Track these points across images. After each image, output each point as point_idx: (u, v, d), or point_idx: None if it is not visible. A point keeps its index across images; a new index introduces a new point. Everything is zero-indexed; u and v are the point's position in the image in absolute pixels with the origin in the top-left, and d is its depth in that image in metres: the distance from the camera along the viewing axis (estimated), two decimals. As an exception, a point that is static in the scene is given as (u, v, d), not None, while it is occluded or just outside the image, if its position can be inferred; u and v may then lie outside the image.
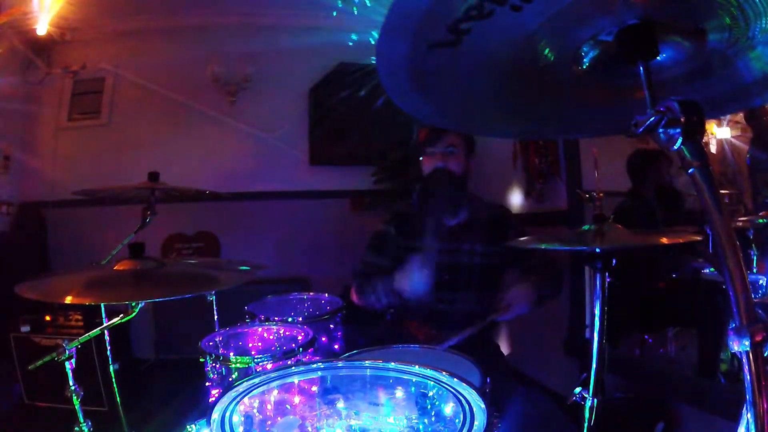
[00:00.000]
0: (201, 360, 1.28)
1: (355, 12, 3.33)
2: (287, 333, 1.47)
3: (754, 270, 1.82)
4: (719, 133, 2.26)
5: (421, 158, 1.84)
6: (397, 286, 1.62)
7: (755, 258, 1.82)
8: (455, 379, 0.84)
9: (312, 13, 3.63)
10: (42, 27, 3.25)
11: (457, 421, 0.76)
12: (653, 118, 0.60)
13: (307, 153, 3.85)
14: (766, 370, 0.55)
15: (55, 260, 3.53)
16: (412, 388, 0.90)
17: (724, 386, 1.90)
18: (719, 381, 1.95)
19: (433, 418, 0.84)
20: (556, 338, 2.75)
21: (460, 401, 0.79)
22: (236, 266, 1.50)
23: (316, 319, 1.64)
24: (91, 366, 2.42)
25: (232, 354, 1.31)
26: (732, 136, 2.27)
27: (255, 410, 0.86)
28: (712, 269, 2.01)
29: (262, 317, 1.61)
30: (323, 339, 1.59)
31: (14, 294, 1.09)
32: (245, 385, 0.86)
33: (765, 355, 0.55)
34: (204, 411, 0.81)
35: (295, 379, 0.92)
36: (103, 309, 1.71)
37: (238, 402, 0.83)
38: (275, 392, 0.90)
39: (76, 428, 1.12)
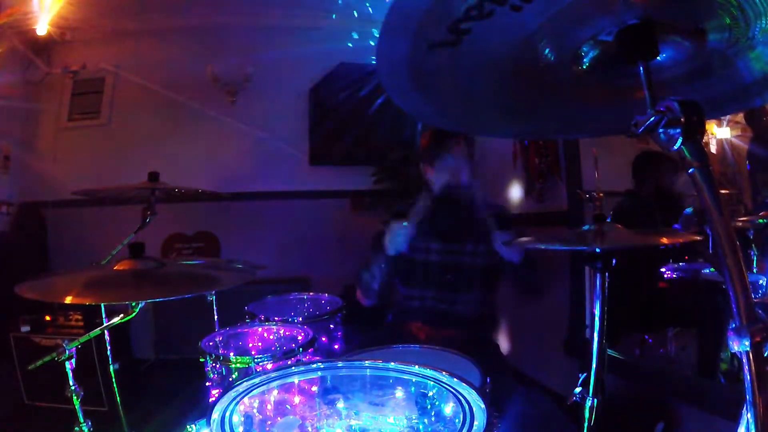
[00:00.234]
0: (201, 360, 1.28)
1: (356, 15, 3.33)
2: (287, 333, 1.47)
3: (754, 270, 1.82)
4: (719, 133, 2.26)
5: (422, 164, 1.84)
6: (384, 246, 1.65)
7: (755, 258, 1.82)
8: (455, 379, 0.84)
9: (312, 14, 3.64)
10: (42, 27, 3.25)
11: (457, 421, 0.76)
12: (653, 118, 0.60)
13: (307, 153, 3.85)
14: (766, 370, 0.55)
15: (55, 260, 3.53)
16: (412, 388, 0.90)
17: (724, 386, 1.89)
18: (719, 381, 1.95)
19: (433, 418, 0.84)
20: (556, 338, 2.75)
21: (460, 401, 0.79)
22: (236, 266, 1.50)
23: (316, 319, 1.64)
24: (91, 366, 2.42)
25: (232, 354, 1.31)
26: (732, 136, 2.27)
27: (255, 410, 0.86)
28: (712, 269, 2.01)
29: (262, 317, 1.62)
30: (323, 339, 1.59)
31: (14, 294, 1.09)
32: (245, 385, 0.86)
33: (765, 355, 0.55)
34: (204, 411, 0.81)
35: (295, 379, 0.92)
36: (103, 309, 1.71)
37: (238, 402, 0.83)
38: (275, 392, 0.90)
39: (76, 428, 1.12)
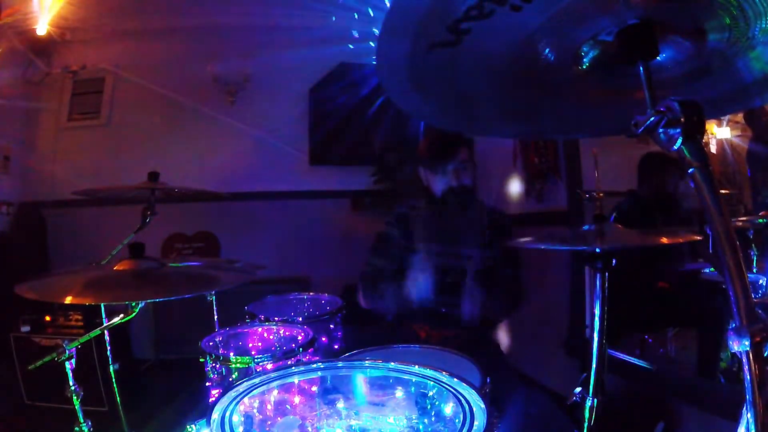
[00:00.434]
0: (201, 360, 1.28)
1: (356, 15, 3.33)
2: (287, 333, 1.47)
3: (754, 270, 1.82)
4: (719, 133, 2.26)
5: (420, 168, 1.84)
6: (405, 293, 1.64)
7: (755, 258, 1.82)
8: (455, 379, 0.84)
9: (312, 13, 3.63)
10: (42, 27, 3.25)
11: (457, 421, 0.76)
12: (653, 118, 0.60)
13: (307, 153, 3.85)
14: (766, 370, 0.55)
15: (55, 260, 3.53)
16: (412, 388, 0.90)
17: (724, 386, 1.89)
18: (719, 381, 1.95)
19: (433, 418, 0.84)
20: (556, 338, 2.75)
21: (460, 401, 0.79)
22: (236, 266, 1.50)
23: (316, 319, 1.64)
24: (91, 366, 2.42)
25: (232, 354, 1.31)
26: (732, 136, 2.27)
27: (255, 410, 0.86)
28: (712, 269, 2.01)
29: (262, 317, 1.61)
30: (323, 339, 1.59)
31: (14, 294, 1.09)
32: (245, 385, 0.86)
33: (765, 355, 0.55)
34: (204, 411, 0.81)
35: (295, 379, 0.92)
36: (103, 309, 1.71)
37: (238, 402, 0.83)
38: (275, 392, 0.90)
39: (76, 428, 1.12)
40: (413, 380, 0.90)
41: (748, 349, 0.55)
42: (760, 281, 1.76)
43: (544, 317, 2.87)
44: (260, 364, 1.21)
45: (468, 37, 0.64)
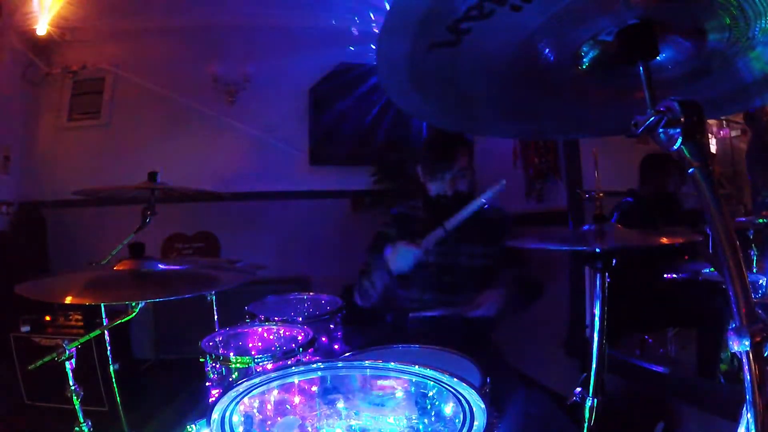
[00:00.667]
0: (201, 360, 1.28)
1: (355, 16, 3.33)
2: (287, 333, 1.47)
3: (754, 270, 1.82)
4: (719, 133, 2.27)
5: (419, 170, 1.84)
6: (388, 265, 1.65)
7: (755, 258, 1.82)
8: (455, 379, 0.84)
9: (312, 13, 3.64)
10: (42, 27, 3.25)
11: (457, 421, 0.76)
12: (653, 118, 0.60)
13: (307, 153, 3.85)
14: (766, 370, 0.55)
15: (55, 260, 3.53)
16: (412, 388, 0.90)
17: (724, 386, 1.89)
18: (719, 381, 1.95)
19: (433, 418, 0.84)
20: (556, 338, 2.75)
21: (460, 401, 0.79)
22: (236, 266, 1.50)
23: (316, 319, 1.64)
24: (91, 366, 2.42)
25: (232, 354, 1.31)
26: (732, 136, 2.27)
27: (255, 410, 0.86)
28: (712, 269, 2.01)
29: (262, 317, 1.61)
30: (323, 339, 1.59)
31: (14, 294, 1.09)
32: (245, 385, 0.86)
33: (765, 355, 0.55)
34: (204, 411, 0.81)
35: (295, 379, 0.92)
36: (103, 309, 1.71)
37: (238, 402, 0.83)
38: (275, 392, 0.90)
39: (76, 428, 1.12)
40: (413, 380, 0.90)
41: (748, 349, 0.55)
42: (760, 281, 1.76)
43: (544, 317, 2.86)
44: (260, 364, 1.21)
45: (468, 37, 0.64)
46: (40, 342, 2.59)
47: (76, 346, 1.09)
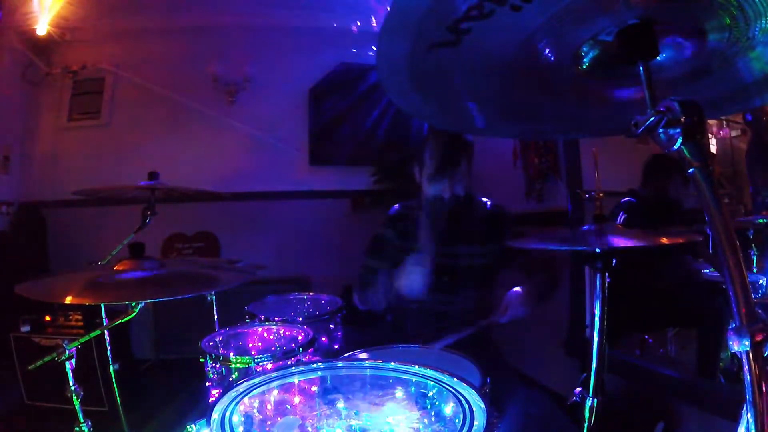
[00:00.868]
0: (201, 360, 1.28)
1: (355, 15, 3.33)
2: (287, 333, 1.47)
3: (754, 270, 1.82)
4: (719, 133, 2.26)
5: (417, 171, 1.84)
6: (396, 286, 1.62)
7: (755, 258, 1.82)
8: (455, 379, 0.84)
9: (312, 13, 3.64)
10: (42, 27, 3.25)
11: (457, 421, 0.76)
12: (653, 118, 0.60)
13: (307, 153, 3.85)
14: (766, 370, 0.55)
15: (55, 260, 3.53)
16: (412, 388, 0.90)
17: (724, 386, 1.89)
18: (719, 381, 1.95)
19: (433, 418, 0.84)
20: (556, 338, 2.75)
21: (460, 401, 0.79)
22: (236, 266, 1.50)
23: (316, 319, 1.64)
24: (91, 366, 2.42)
25: (232, 354, 1.31)
26: (732, 136, 2.27)
27: (255, 410, 0.86)
28: (712, 269, 2.01)
29: (262, 317, 1.61)
30: (323, 339, 1.59)
31: (14, 294, 1.09)
32: (245, 385, 0.86)
33: (765, 355, 0.55)
34: (204, 411, 0.81)
35: (295, 379, 0.92)
36: (103, 309, 1.71)
37: (238, 402, 0.83)
38: (275, 392, 0.90)
39: (76, 428, 1.12)
40: (413, 380, 0.90)
41: (748, 349, 0.55)
42: (760, 281, 1.76)
43: (544, 317, 2.86)
44: (260, 364, 1.21)
45: (468, 37, 0.64)
46: (40, 342, 2.59)
47: (76, 346, 1.09)
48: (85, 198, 2.46)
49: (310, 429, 0.84)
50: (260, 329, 1.49)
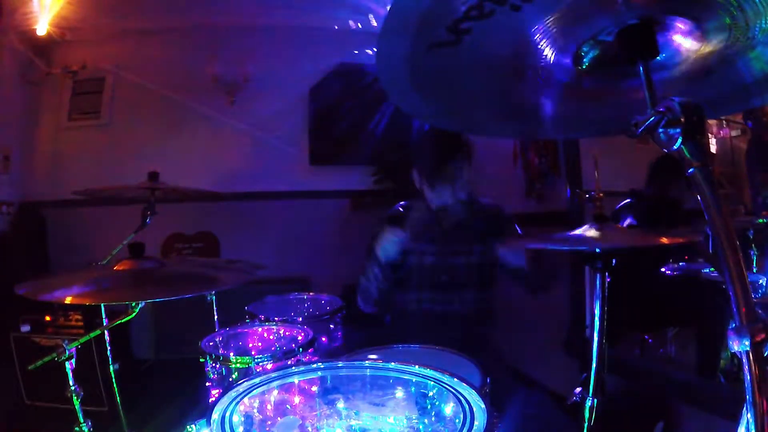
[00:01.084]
0: (201, 360, 1.28)
1: (355, 16, 3.33)
2: (287, 333, 1.47)
3: (754, 270, 1.82)
4: (719, 133, 2.26)
5: (416, 174, 1.84)
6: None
7: (755, 258, 1.82)
8: (455, 379, 0.84)
9: (312, 13, 3.64)
10: (42, 27, 3.25)
11: (457, 421, 0.76)
12: (653, 118, 0.60)
13: (307, 153, 3.85)
14: (766, 370, 0.55)
15: (55, 260, 3.53)
16: (412, 388, 0.90)
17: (724, 386, 1.89)
18: (719, 381, 1.95)
19: (433, 418, 0.84)
20: (556, 338, 2.75)
21: (460, 401, 0.79)
22: (236, 266, 1.50)
23: (316, 319, 1.64)
24: (91, 366, 2.42)
25: (232, 354, 1.31)
26: (732, 136, 2.27)
27: (255, 410, 0.86)
28: (712, 269, 2.01)
29: (262, 317, 1.62)
30: (323, 339, 1.59)
31: (14, 294, 1.09)
32: (245, 385, 0.86)
33: (765, 355, 0.55)
34: (204, 411, 0.81)
35: (295, 379, 0.92)
36: (103, 309, 1.71)
37: (238, 402, 0.83)
38: (275, 392, 0.90)
39: (76, 428, 1.12)
40: (413, 380, 0.90)
41: (748, 349, 0.55)
42: (760, 281, 1.76)
43: (544, 317, 2.86)
44: (260, 364, 1.21)
45: (468, 37, 0.64)
46: (40, 342, 2.59)
47: (76, 346, 1.09)
48: (85, 198, 2.46)
49: (310, 429, 0.84)
50: (260, 329, 1.49)
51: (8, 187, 3.46)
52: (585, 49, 0.71)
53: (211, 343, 1.36)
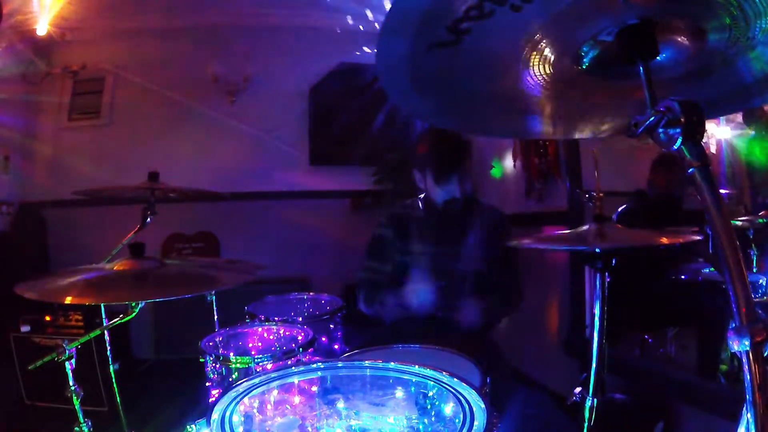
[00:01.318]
0: (201, 360, 1.28)
1: (356, 16, 3.33)
2: (287, 333, 1.47)
3: (754, 270, 1.82)
4: (719, 133, 2.26)
5: (416, 174, 1.84)
6: (405, 301, 1.67)
7: (755, 258, 1.82)
8: (455, 379, 0.84)
9: (312, 13, 3.64)
10: (42, 27, 3.25)
11: (457, 421, 0.76)
12: (653, 118, 0.60)
13: (307, 153, 3.85)
14: (766, 370, 0.55)
15: (55, 260, 3.54)
16: (412, 388, 0.90)
17: (724, 386, 1.89)
18: (719, 381, 1.95)
19: (433, 418, 0.84)
20: (556, 338, 2.75)
21: (460, 401, 0.79)
22: (236, 266, 1.50)
23: (316, 319, 1.64)
24: (91, 366, 2.42)
25: (232, 354, 1.31)
26: (732, 136, 2.27)
27: (255, 410, 0.86)
28: (712, 269, 2.01)
29: (262, 317, 1.62)
30: (323, 339, 1.59)
31: (14, 294, 1.09)
32: (245, 385, 0.86)
33: (765, 355, 0.55)
34: (204, 411, 0.81)
35: (295, 379, 0.92)
36: (103, 309, 1.71)
37: (238, 402, 0.83)
38: (275, 392, 0.90)
39: (76, 428, 1.12)
40: (413, 380, 0.90)
41: (748, 349, 0.55)
42: (760, 281, 1.76)
43: (544, 317, 2.87)
44: (260, 364, 1.21)
45: (468, 37, 0.64)
46: (40, 342, 2.60)
47: (76, 346, 1.09)
48: (85, 198, 2.46)
49: (310, 429, 0.84)
50: (260, 329, 1.49)
51: (8, 187, 3.46)
52: (585, 49, 0.71)
53: (211, 343, 1.36)
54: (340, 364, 0.98)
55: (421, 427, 0.83)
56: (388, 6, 0.61)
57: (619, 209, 2.38)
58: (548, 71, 0.75)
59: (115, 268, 1.20)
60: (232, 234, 3.68)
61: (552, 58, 0.72)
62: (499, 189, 3.36)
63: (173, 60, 3.62)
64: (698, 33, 0.67)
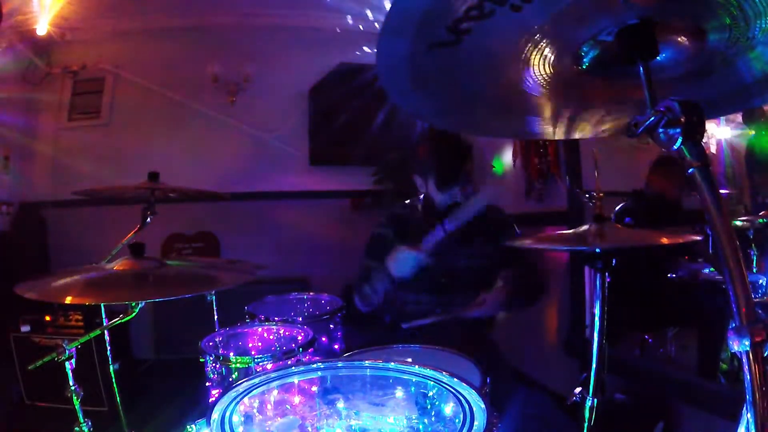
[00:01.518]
0: (201, 360, 1.28)
1: (356, 15, 3.33)
2: (287, 333, 1.47)
3: (754, 270, 1.83)
4: (719, 133, 2.26)
5: (416, 176, 1.84)
6: (388, 269, 1.67)
7: (755, 258, 1.82)
8: (455, 379, 0.84)
9: (312, 13, 3.64)
10: (42, 27, 3.25)
11: (457, 421, 0.76)
12: (653, 118, 0.60)
13: (307, 153, 3.85)
14: (766, 370, 0.55)
15: (55, 260, 3.54)
16: (412, 388, 0.90)
17: (724, 386, 1.89)
18: (719, 381, 1.95)
19: (433, 418, 0.84)
20: (556, 338, 2.75)
21: (460, 401, 0.79)
22: (236, 266, 1.50)
23: (316, 319, 1.64)
24: (91, 366, 2.42)
25: (232, 354, 1.31)
26: (732, 136, 2.27)
27: (255, 410, 0.86)
28: (712, 269, 2.01)
29: (262, 317, 1.61)
30: (323, 339, 1.59)
31: (14, 294, 1.09)
32: (245, 385, 0.86)
33: (765, 355, 0.55)
34: (204, 411, 0.81)
35: (295, 379, 0.92)
36: (103, 309, 1.71)
37: (238, 402, 0.83)
38: (275, 392, 0.90)
39: (76, 428, 1.12)
40: (413, 380, 0.90)
41: (748, 349, 0.55)
42: (760, 281, 1.76)
43: (544, 317, 2.87)
44: (260, 364, 1.21)
45: (468, 37, 0.64)
46: (40, 342, 2.60)
47: (76, 346, 1.09)
48: (85, 198, 2.46)
49: (310, 429, 0.84)
50: (260, 329, 1.49)
51: (8, 187, 3.46)
52: (585, 49, 0.71)
53: (211, 343, 1.36)
54: (340, 364, 0.98)
55: (421, 427, 0.83)
56: (388, 6, 0.61)
57: (616, 208, 2.38)
58: (548, 71, 0.75)
59: (115, 268, 1.20)
60: (232, 234, 3.68)
61: (552, 58, 0.72)
62: (500, 189, 3.36)
63: (173, 60, 3.62)
64: (698, 33, 0.67)
